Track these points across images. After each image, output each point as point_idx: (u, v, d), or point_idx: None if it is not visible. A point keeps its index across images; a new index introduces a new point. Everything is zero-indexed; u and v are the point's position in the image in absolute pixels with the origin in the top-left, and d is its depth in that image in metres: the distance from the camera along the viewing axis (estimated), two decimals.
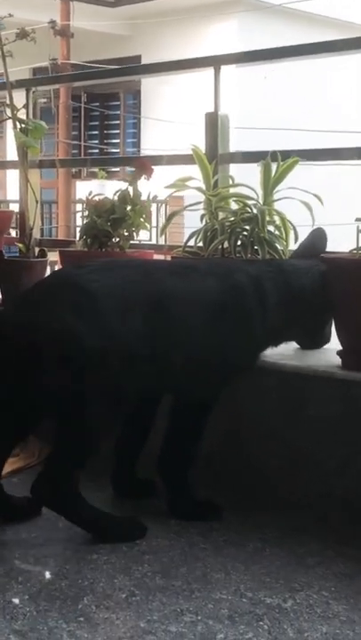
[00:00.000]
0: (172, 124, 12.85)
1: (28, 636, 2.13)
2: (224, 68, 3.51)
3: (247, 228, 3.04)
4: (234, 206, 3.17)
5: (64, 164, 10.97)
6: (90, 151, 15.50)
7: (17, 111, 3.68)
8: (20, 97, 3.89)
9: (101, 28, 14.03)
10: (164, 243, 6.86)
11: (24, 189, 3.80)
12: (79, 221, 11.52)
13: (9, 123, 3.75)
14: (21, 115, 3.74)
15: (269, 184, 3.10)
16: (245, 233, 3.04)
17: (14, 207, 4.22)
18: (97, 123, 15.66)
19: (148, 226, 3.46)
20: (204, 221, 3.21)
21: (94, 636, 2.11)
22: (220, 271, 2.84)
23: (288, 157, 3.11)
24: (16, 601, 2.29)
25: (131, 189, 3.38)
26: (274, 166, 3.10)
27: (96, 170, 4.15)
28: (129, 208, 3.37)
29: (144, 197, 3.39)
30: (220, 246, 3.10)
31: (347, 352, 2.83)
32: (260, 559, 2.53)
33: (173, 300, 2.69)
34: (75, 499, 2.62)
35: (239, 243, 3.06)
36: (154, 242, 7.40)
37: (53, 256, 3.78)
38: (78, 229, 10.81)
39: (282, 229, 3.06)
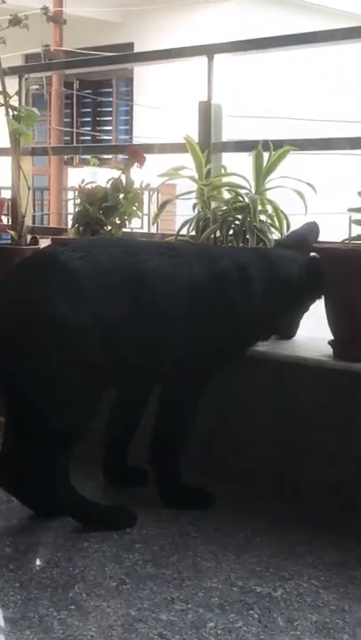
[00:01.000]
0: (164, 112, 12.83)
1: (19, 623, 2.13)
2: (217, 57, 3.50)
3: (239, 217, 3.04)
4: (226, 195, 3.17)
5: (57, 152, 10.92)
6: (82, 138, 15.46)
7: (9, 98, 3.67)
8: (11, 84, 3.87)
9: (94, 14, 13.97)
10: (155, 231, 6.87)
11: (16, 177, 3.78)
12: (71, 209, 11.50)
13: (1, 110, 3.74)
14: (13, 102, 3.73)
15: (261, 173, 3.09)
16: (237, 222, 3.04)
17: (5, 193, 4.21)
18: (89, 110, 15.61)
19: (140, 214, 3.46)
20: (196, 210, 3.20)
21: (85, 624, 2.12)
22: (205, 255, 2.84)
23: (280, 147, 3.10)
24: (7, 589, 2.30)
25: (123, 177, 3.38)
26: (266, 155, 3.09)
27: (88, 157, 4.14)
28: (121, 196, 3.36)
29: (136, 185, 3.39)
30: (213, 235, 3.10)
31: (338, 342, 2.83)
32: (250, 548, 2.54)
33: (157, 280, 2.67)
34: (66, 486, 2.62)
35: (231, 232, 3.06)
36: (146, 230, 7.41)
37: (45, 244, 3.77)
38: (70, 217, 10.80)
39: (275, 218, 3.06)
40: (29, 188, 3.80)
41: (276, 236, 3.07)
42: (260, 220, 3.03)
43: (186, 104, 6.65)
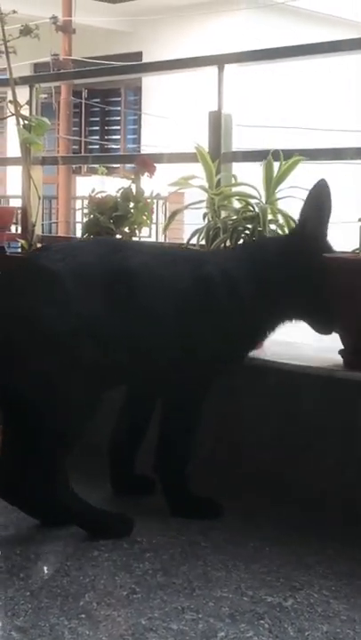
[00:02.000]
0: (172, 121, 12.85)
1: (30, 632, 2.13)
2: (227, 67, 3.50)
3: (249, 226, 3.04)
4: (236, 205, 3.17)
5: (67, 162, 10.96)
6: (90, 147, 15.49)
7: (20, 107, 3.68)
8: (21, 93, 3.89)
9: (103, 24, 14.02)
10: (164, 240, 6.88)
11: (26, 186, 3.80)
12: (79, 217, 11.52)
13: (12, 119, 3.75)
14: (23, 111, 3.74)
15: (272, 183, 3.10)
16: (248, 231, 3.05)
17: (14, 202, 4.23)
18: (97, 119, 15.65)
19: (150, 223, 3.47)
20: (206, 220, 3.21)
21: (95, 633, 2.12)
22: (192, 256, 2.85)
23: (290, 156, 3.11)
24: (17, 597, 2.30)
25: (133, 187, 3.39)
26: (276, 165, 3.10)
27: (96, 166, 4.15)
28: (131, 205, 3.37)
29: (146, 195, 3.40)
30: (223, 244, 3.10)
31: (348, 351, 2.83)
32: (260, 558, 2.54)
33: (141, 277, 2.67)
34: (66, 491, 2.62)
35: (241, 241, 3.06)
36: (154, 239, 7.42)
37: None
38: (78, 225, 10.81)
39: (285, 228, 3.06)
40: (39, 198, 3.81)
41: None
42: (271, 230, 3.04)
43: (194, 113, 6.67)
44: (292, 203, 3.08)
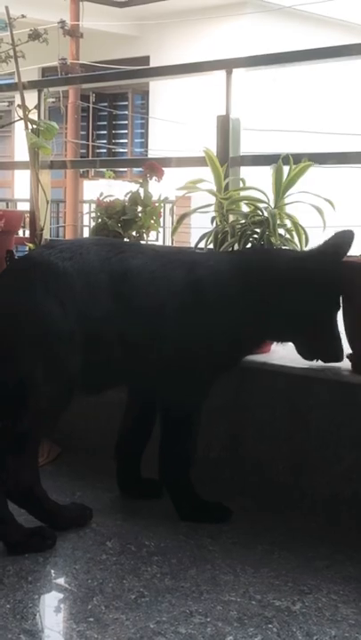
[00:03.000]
0: (179, 125, 12.85)
1: (38, 635, 2.13)
2: (235, 71, 3.51)
3: (258, 230, 3.04)
4: (245, 209, 3.17)
5: (75, 166, 10.97)
6: (98, 151, 15.50)
7: (29, 112, 3.69)
8: (29, 97, 3.90)
9: (110, 28, 14.03)
10: (171, 243, 6.88)
11: (35, 190, 3.80)
12: (86, 221, 11.52)
13: (20, 123, 3.76)
14: (31, 115, 3.75)
15: (281, 187, 3.10)
16: (256, 235, 3.04)
17: (22, 206, 4.23)
18: (105, 123, 15.65)
19: (157, 226, 3.47)
20: (214, 223, 3.21)
21: (104, 637, 2.12)
22: (190, 258, 2.86)
23: (299, 160, 3.11)
24: (26, 601, 2.30)
25: (142, 191, 3.39)
26: (286, 169, 3.10)
27: (104, 170, 4.16)
28: (139, 209, 3.37)
29: (154, 198, 3.40)
30: (231, 248, 3.10)
31: (357, 356, 2.83)
32: (268, 562, 2.54)
33: (140, 276, 2.70)
34: (36, 486, 2.64)
35: (249, 245, 3.06)
36: (161, 242, 7.42)
37: None
38: (85, 229, 10.81)
39: (293, 233, 3.06)
40: (48, 202, 3.82)
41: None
42: (279, 234, 3.03)
43: (201, 117, 6.67)
44: (300, 205, 3.08)
